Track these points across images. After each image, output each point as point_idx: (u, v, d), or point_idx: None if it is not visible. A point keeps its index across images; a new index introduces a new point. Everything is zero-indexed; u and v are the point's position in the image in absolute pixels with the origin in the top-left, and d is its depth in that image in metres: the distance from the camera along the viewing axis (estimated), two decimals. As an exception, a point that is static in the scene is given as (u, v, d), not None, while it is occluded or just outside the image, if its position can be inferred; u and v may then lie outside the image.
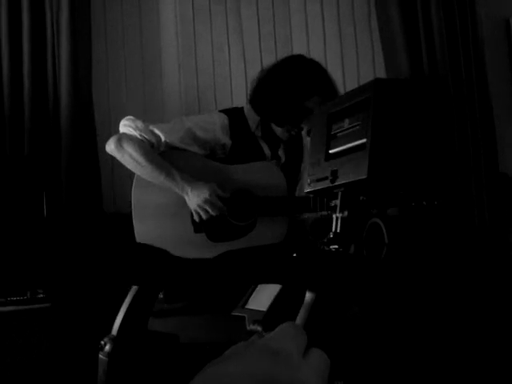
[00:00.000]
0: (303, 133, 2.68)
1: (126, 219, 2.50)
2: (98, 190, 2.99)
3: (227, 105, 3.01)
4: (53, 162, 2.92)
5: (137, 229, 2.44)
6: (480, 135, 3.21)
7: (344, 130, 0.66)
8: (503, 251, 2.93)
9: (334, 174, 0.64)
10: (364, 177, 0.60)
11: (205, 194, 2.34)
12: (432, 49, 3.22)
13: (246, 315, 0.80)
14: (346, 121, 0.66)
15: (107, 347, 0.61)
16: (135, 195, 2.45)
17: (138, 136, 2.40)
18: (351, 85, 3.44)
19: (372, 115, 0.60)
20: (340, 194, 0.64)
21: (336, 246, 0.63)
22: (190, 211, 2.40)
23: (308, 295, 0.60)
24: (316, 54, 3.31)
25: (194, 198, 2.35)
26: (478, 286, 2.36)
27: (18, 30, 2.93)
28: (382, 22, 3.29)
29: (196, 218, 2.39)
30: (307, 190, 0.69)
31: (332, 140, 0.67)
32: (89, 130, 3.00)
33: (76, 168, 2.93)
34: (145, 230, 2.44)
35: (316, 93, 2.45)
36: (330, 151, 0.67)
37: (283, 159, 2.59)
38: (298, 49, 3.33)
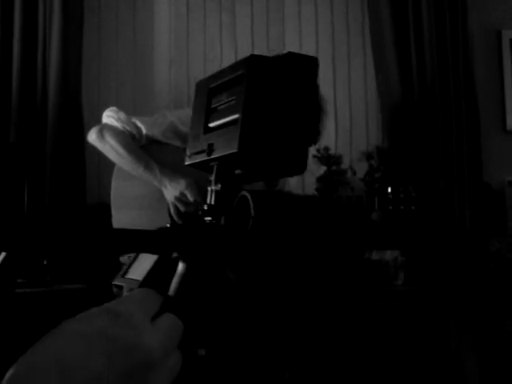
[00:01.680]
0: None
1: (109, 210, 2.52)
2: (82, 181, 3.01)
3: (216, 102, 3.02)
4: (38, 151, 2.93)
5: (115, 219, 2.46)
6: (465, 144, 3.22)
7: (222, 104, 0.68)
8: (482, 260, 2.93)
9: (211, 147, 0.65)
10: (235, 150, 0.61)
11: (182, 187, 2.36)
12: (421, 56, 3.23)
13: (124, 284, 0.82)
14: (224, 95, 0.67)
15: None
16: (115, 186, 2.47)
17: (120, 127, 2.42)
18: (342, 87, 3.46)
19: (245, 91, 0.62)
20: (215, 167, 0.66)
21: (209, 218, 0.65)
22: (167, 204, 2.42)
23: (180, 265, 0.61)
24: (308, 56, 3.32)
25: (171, 191, 2.37)
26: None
27: (10, 19, 2.95)
28: (374, 28, 3.31)
29: (172, 210, 2.40)
30: (187, 162, 0.71)
31: (212, 114, 0.69)
32: (76, 121, 3.01)
33: (61, 158, 2.94)
34: (123, 221, 2.46)
35: None
36: (209, 125, 0.69)
37: (264, 156, 2.60)
38: (291, 49, 3.33)
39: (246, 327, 1.74)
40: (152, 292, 0.54)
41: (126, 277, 0.83)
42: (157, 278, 0.64)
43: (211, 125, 0.67)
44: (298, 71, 0.64)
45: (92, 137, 2.45)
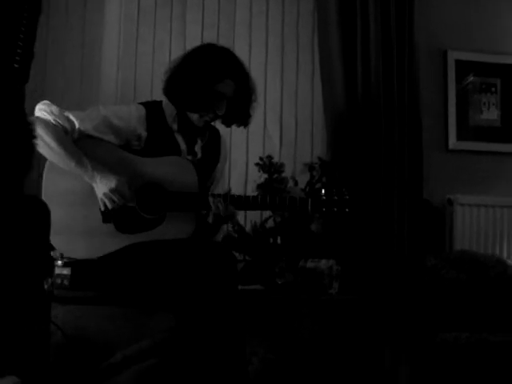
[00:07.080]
0: (222, 138, 2.70)
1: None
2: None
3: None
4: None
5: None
6: (407, 160, 3.25)
7: None
8: (417, 274, 2.94)
9: None
10: None
11: (112, 183, 2.33)
12: (367, 73, 3.27)
13: None
14: None
15: None
16: (46, 181, 2.41)
17: (52, 121, 2.36)
18: (288, 98, 3.49)
19: None
20: None
21: None
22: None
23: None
24: (257, 66, 3.36)
25: (102, 187, 2.34)
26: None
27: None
28: (322, 45, 3.35)
29: (102, 206, 2.37)
30: None
31: None
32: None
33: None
34: (53, 217, 2.40)
35: (226, 76, 2.47)
36: None
37: (199, 155, 2.59)
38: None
39: None
40: None
41: None
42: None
43: None
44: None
45: None
